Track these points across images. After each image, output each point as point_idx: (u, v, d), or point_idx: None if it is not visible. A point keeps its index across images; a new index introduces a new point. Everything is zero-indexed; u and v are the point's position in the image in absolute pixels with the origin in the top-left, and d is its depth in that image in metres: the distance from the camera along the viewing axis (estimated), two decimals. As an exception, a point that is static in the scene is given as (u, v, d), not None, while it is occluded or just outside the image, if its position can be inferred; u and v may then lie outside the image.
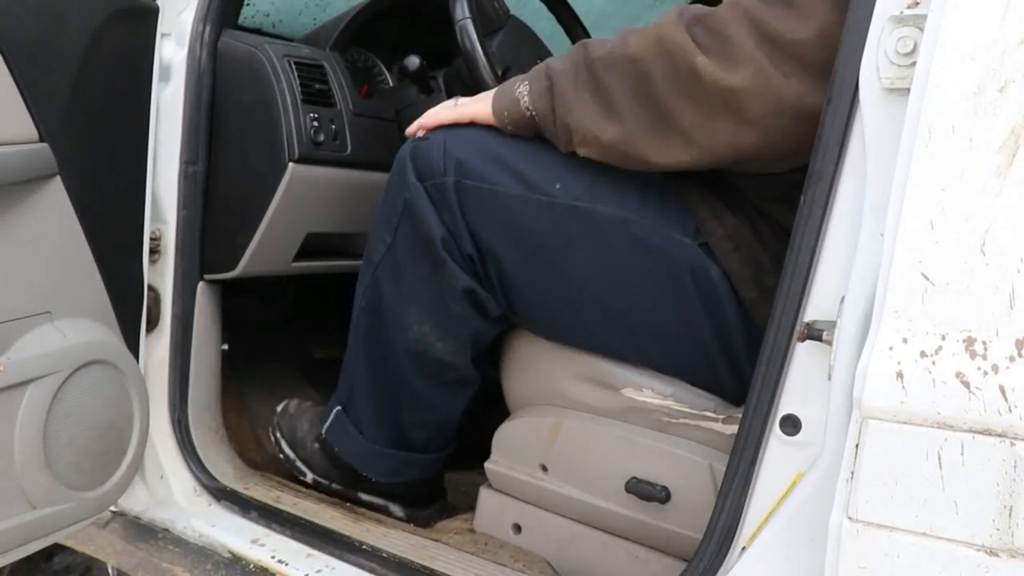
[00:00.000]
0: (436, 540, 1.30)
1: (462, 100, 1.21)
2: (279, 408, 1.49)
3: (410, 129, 1.24)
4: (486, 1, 1.48)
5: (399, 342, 1.25)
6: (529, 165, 1.15)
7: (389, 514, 1.38)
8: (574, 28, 1.75)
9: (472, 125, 1.19)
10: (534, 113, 1.11)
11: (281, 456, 1.44)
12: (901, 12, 0.77)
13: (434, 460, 1.37)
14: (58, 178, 1.07)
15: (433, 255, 1.19)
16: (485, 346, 1.29)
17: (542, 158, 1.16)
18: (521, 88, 1.12)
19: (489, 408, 1.39)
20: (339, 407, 1.34)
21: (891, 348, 0.72)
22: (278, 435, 1.46)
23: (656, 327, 1.14)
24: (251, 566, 1.24)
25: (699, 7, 0.99)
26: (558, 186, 1.13)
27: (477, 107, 1.19)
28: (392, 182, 1.23)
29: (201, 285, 1.40)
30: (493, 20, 1.50)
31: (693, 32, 0.97)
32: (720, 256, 1.09)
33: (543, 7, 1.73)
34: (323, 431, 1.36)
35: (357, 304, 1.29)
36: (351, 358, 1.32)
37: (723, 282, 1.09)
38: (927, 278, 0.71)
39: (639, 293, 1.12)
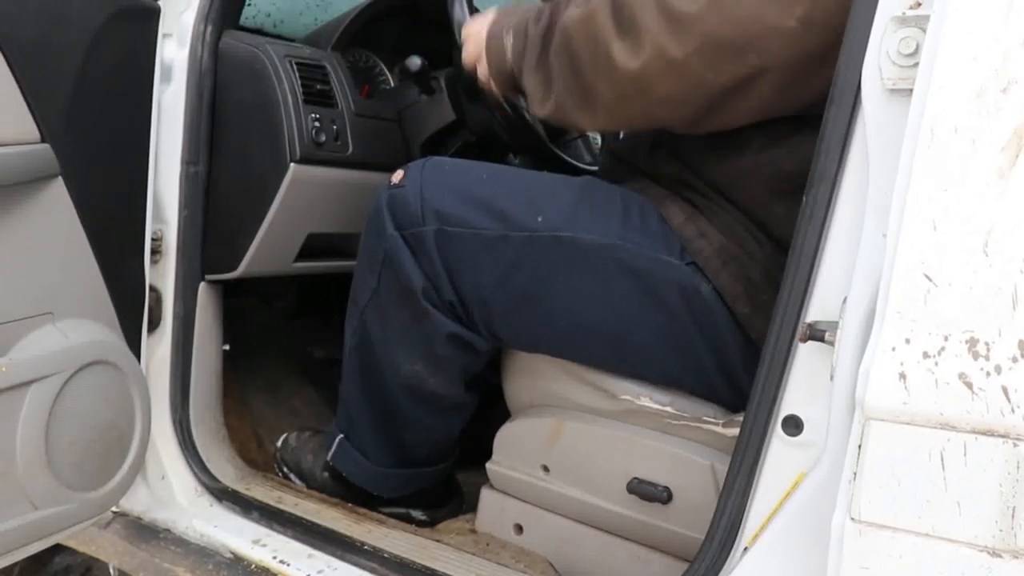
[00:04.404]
0: (437, 540, 1.30)
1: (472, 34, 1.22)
2: (279, 443, 1.53)
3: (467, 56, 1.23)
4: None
5: (392, 378, 1.27)
6: (508, 201, 1.16)
7: (411, 520, 1.40)
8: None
9: (446, 165, 1.22)
10: (512, 67, 1.14)
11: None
12: (903, 13, 0.77)
13: (439, 470, 1.39)
14: (60, 179, 1.07)
15: (415, 305, 1.20)
16: (478, 371, 1.30)
17: (519, 190, 1.17)
18: (507, 40, 1.15)
19: (490, 409, 1.39)
20: (341, 435, 1.36)
21: (893, 349, 0.72)
22: (285, 469, 1.49)
23: (650, 347, 1.14)
24: (252, 566, 1.24)
25: None
26: (540, 219, 1.13)
27: (474, 45, 1.20)
28: (370, 230, 1.24)
29: (202, 285, 1.40)
30: None
31: (616, 13, 0.99)
32: (710, 273, 1.09)
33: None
34: (329, 459, 1.38)
35: (348, 342, 1.31)
36: (347, 389, 1.34)
37: (715, 299, 1.09)
38: (929, 279, 0.71)
39: (630, 316, 1.12)
